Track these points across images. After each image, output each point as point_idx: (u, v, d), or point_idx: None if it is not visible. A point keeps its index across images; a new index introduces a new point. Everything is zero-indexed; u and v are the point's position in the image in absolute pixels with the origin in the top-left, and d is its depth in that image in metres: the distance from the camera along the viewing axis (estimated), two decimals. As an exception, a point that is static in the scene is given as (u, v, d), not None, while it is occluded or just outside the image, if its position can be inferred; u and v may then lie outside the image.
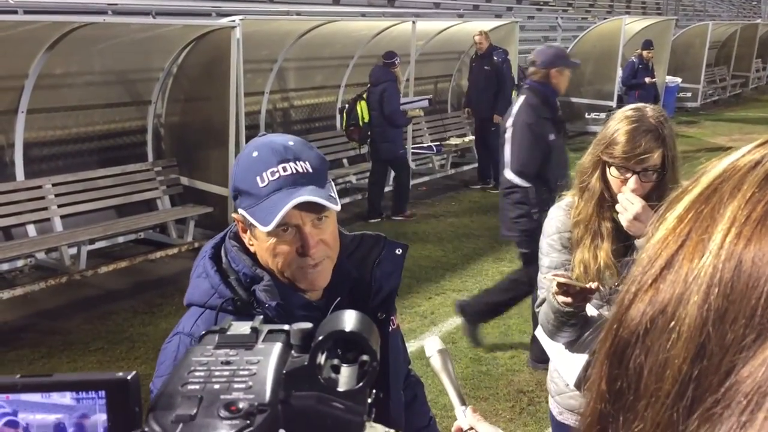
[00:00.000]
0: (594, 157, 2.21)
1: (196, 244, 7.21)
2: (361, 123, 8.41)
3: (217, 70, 7.22)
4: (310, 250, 1.46)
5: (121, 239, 7.35)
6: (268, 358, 0.53)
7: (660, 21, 16.85)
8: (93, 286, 6.42)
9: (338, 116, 9.33)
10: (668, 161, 2.12)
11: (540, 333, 2.31)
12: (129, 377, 0.51)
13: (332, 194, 1.48)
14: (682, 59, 17.31)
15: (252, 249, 1.54)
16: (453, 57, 12.02)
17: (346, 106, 8.86)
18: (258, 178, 1.44)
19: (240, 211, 1.49)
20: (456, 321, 5.80)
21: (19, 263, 6.55)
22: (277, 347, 0.54)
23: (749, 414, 0.37)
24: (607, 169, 2.18)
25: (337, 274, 1.57)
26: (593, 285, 2.01)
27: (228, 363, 0.52)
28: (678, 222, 0.45)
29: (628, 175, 2.13)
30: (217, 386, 0.50)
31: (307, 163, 1.47)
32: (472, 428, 1.27)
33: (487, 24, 11.85)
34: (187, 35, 7.47)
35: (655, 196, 2.14)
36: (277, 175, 1.44)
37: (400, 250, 1.67)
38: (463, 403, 1.34)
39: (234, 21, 7.23)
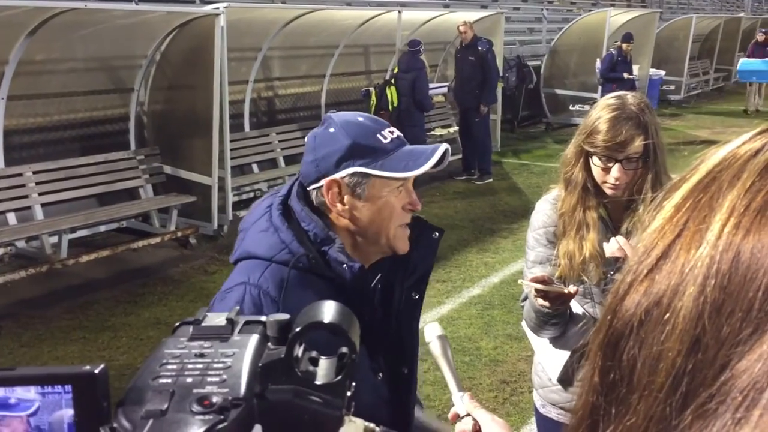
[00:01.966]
0: (576, 147, 2.20)
1: (179, 234, 7.17)
2: (390, 108, 8.81)
3: (200, 58, 7.16)
4: (418, 205, 1.59)
5: (102, 228, 7.28)
6: (244, 351, 0.51)
7: (644, 14, 16.90)
8: (74, 275, 6.36)
9: (371, 100, 9.55)
10: (651, 148, 2.12)
11: (525, 327, 2.31)
12: (96, 371, 0.49)
13: None
14: (665, 52, 17.40)
15: (345, 216, 1.55)
16: (439, 47, 12.01)
17: (369, 90, 9.24)
18: (380, 135, 1.53)
19: (357, 169, 1.51)
20: (440, 311, 5.81)
21: (-1, 252, 6.48)
22: (254, 339, 0.53)
23: (744, 411, 0.36)
24: (590, 159, 2.17)
25: None
26: (572, 289, 2.00)
27: (202, 355, 0.50)
28: (675, 211, 0.44)
29: (611, 164, 2.13)
30: (189, 380, 0.48)
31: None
32: (468, 414, 1.28)
33: (473, 15, 11.83)
34: (171, 22, 7.40)
35: (639, 185, 2.14)
36: (395, 134, 1.56)
37: (437, 234, 1.73)
38: (461, 389, 1.34)
39: (218, 8, 7.17)
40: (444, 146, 1.54)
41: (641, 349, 0.42)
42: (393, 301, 1.64)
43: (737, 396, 0.37)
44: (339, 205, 1.55)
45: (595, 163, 2.15)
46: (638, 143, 2.09)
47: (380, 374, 1.61)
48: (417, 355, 1.73)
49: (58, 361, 4.84)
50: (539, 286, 1.97)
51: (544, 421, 2.44)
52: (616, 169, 2.12)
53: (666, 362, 0.40)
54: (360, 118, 1.57)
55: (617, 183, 2.13)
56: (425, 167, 1.51)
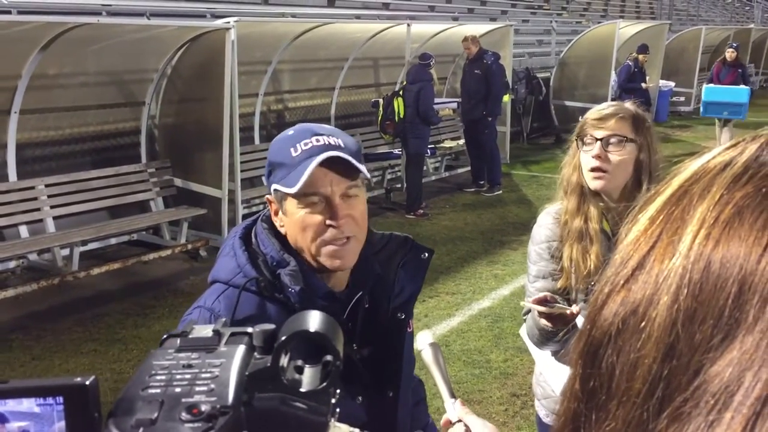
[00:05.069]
0: (572, 144, 2.23)
1: (189, 246, 7.20)
2: (396, 118, 8.92)
3: (211, 72, 7.21)
4: (338, 219, 1.47)
5: (113, 240, 7.33)
6: (231, 361, 0.53)
7: (654, 25, 16.91)
8: (85, 287, 6.40)
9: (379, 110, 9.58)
10: (642, 147, 2.13)
11: (525, 338, 2.30)
12: (87, 382, 0.50)
13: (363, 167, 1.51)
14: (675, 63, 17.38)
15: (283, 231, 1.56)
16: (448, 60, 12.04)
17: (380, 100, 9.36)
18: (291, 149, 1.48)
19: (273, 186, 1.52)
20: (450, 323, 5.80)
21: (11, 264, 6.53)
22: (240, 349, 0.54)
23: (717, 413, 0.38)
24: (580, 153, 2.19)
25: (361, 269, 1.59)
26: (575, 309, 1.99)
27: (190, 366, 0.52)
28: (650, 223, 0.45)
29: (593, 145, 2.14)
30: (178, 389, 0.49)
31: (340, 140, 1.51)
32: (460, 420, 1.28)
33: (482, 27, 11.87)
34: (182, 36, 7.46)
35: (633, 193, 2.13)
36: (309, 144, 1.47)
37: (426, 255, 1.70)
38: (453, 395, 1.35)
39: (229, 23, 7.23)
40: (328, 153, 1.45)
41: (619, 356, 0.43)
42: (378, 322, 1.61)
43: (710, 400, 0.38)
44: (278, 221, 1.57)
45: (582, 149, 2.17)
46: (618, 123, 2.12)
47: (359, 398, 1.57)
48: (407, 378, 1.67)
49: (69, 373, 4.86)
50: (542, 309, 1.96)
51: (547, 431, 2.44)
52: (596, 147, 2.12)
53: (643, 369, 0.41)
54: (291, 132, 1.54)
55: (597, 164, 2.12)
56: (301, 182, 1.44)
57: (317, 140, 1.48)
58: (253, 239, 1.58)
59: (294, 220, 1.51)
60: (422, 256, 1.69)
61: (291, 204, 1.50)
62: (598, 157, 2.11)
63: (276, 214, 1.57)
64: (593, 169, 2.13)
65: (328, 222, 1.48)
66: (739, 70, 13.28)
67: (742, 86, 12.15)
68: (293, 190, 1.45)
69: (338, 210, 1.48)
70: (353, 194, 1.51)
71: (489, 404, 4.54)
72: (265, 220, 1.60)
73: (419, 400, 1.89)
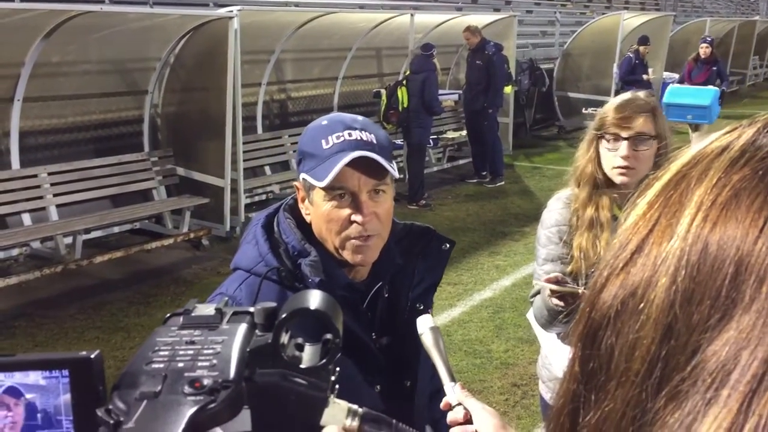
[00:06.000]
0: (589, 136, 2.25)
1: (192, 235, 7.21)
2: (400, 108, 8.92)
3: (214, 61, 7.21)
4: (364, 216, 1.48)
5: (116, 229, 7.34)
6: (233, 337, 0.54)
7: (658, 17, 16.83)
8: (88, 275, 6.42)
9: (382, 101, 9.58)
10: (661, 135, 2.16)
11: (532, 320, 2.32)
12: (92, 356, 0.51)
13: (393, 165, 1.51)
14: (679, 55, 17.28)
15: (308, 219, 1.57)
16: (451, 50, 12.00)
17: (381, 90, 9.37)
18: (323, 141, 1.48)
19: (302, 175, 1.53)
20: (451, 314, 5.81)
21: (14, 252, 6.55)
22: (242, 327, 0.55)
23: (714, 391, 0.38)
24: (600, 146, 2.21)
25: (383, 259, 1.59)
26: (585, 290, 2.02)
27: (192, 343, 0.53)
28: (648, 207, 0.46)
29: (618, 143, 2.17)
30: (181, 364, 0.50)
31: (372, 135, 1.51)
32: (460, 404, 1.29)
33: (485, 18, 11.83)
34: (185, 25, 7.45)
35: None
36: (342, 138, 1.47)
37: (447, 245, 1.70)
38: (453, 379, 1.36)
39: (232, 11, 7.22)
40: (358, 153, 1.45)
41: (618, 338, 0.44)
42: (397, 312, 1.63)
43: (707, 378, 0.39)
44: (304, 209, 1.58)
45: (604, 146, 2.19)
46: (646, 123, 2.15)
47: (377, 387, 1.58)
48: (425, 368, 1.66)
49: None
50: (554, 287, 1.99)
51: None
52: (624, 147, 2.15)
53: (641, 349, 0.42)
54: (325, 122, 1.54)
55: (626, 164, 2.15)
56: (329, 177, 1.44)
57: (349, 134, 1.48)
58: (275, 228, 1.58)
59: (320, 212, 1.52)
60: (443, 247, 1.70)
61: (318, 195, 1.51)
62: (626, 157, 2.14)
63: (302, 201, 1.58)
64: (621, 167, 2.17)
65: (353, 218, 1.49)
66: (714, 68, 11.98)
67: (710, 87, 10.54)
68: (321, 185, 1.46)
69: (364, 207, 1.49)
70: (381, 190, 1.52)
71: (490, 394, 4.56)
72: (287, 209, 1.61)
73: (439, 388, 1.90)
